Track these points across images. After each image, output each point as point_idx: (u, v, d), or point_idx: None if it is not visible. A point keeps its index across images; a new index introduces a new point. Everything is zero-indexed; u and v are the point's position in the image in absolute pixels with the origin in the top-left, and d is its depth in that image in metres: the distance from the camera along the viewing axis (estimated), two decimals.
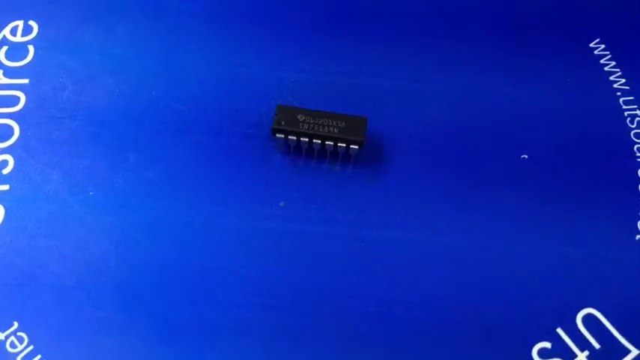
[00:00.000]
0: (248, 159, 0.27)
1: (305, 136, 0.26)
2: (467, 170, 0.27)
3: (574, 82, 0.29)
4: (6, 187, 0.26)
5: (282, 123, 0.26)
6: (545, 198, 0.27)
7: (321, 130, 0.26)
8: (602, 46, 0.30)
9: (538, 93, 0.29)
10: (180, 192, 0.26)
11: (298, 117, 0.26)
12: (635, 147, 0.28)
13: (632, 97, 0.29)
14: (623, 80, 0.29)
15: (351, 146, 0.26)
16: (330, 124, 0.26)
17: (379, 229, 0.26)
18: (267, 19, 0.30)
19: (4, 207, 0.25)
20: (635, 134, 0.28)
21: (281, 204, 0.26)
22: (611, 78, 0.29)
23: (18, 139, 0.27)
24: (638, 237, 0.26)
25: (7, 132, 0.27)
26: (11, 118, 0.27)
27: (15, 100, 0.27)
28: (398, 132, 0.28)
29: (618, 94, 0.29)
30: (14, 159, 0.26)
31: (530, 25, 0.30)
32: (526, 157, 0.27)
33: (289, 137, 0.26)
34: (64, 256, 0.25)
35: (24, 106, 0.27)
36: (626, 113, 0.28)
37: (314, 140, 0.26)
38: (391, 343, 0.24)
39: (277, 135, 0.26)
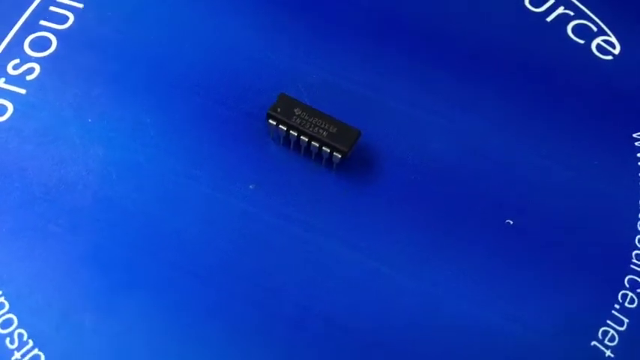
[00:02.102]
0: (240, 135, 0.27)
1: (294, 130, 0.26)
2: (446, 216, 0.26)
3: (599, 166, 0.27)
4: (23, 90, 0.28)
5: (278, 110, 0.26)
6: (514, 270, 0.25)
7: (310, 129, 0.26)
8: None
9: (555, 164, 0.27)
10: (166, 144, 0.27)
11: (295, 110, 0.26)
12: (634, 253, 0.26)
13: None
14: None
15: (334, 154, 0.26)
16: (322, 126, 0.26)
17: (336, 241, 0.25)
18: (308, 12, 0.30)
19: (14, 107, 0.27)
20: None
21: (251, 186, 0.26)
22: None
23: (51, 53, 0.29)
24: (593, 343, 0.24)
25: (46, 44, 0.29)
26: (54, 34, 0.29)
27: (64, 19, 0.29)
28: (393, 155, 0.27)
29: None
30: (41, 69, 0.28)
31: (574, 95, 0.28)
32: (511, 222, 0.26)
33: (280, 126, 0.26)
34: (43, 167, 0.26)
35: (69, 27, 0.29)
36: None
37: (301, 137, 0.26)
38: (294, 350, 0.23)
39: (270, 121, 0.26)
